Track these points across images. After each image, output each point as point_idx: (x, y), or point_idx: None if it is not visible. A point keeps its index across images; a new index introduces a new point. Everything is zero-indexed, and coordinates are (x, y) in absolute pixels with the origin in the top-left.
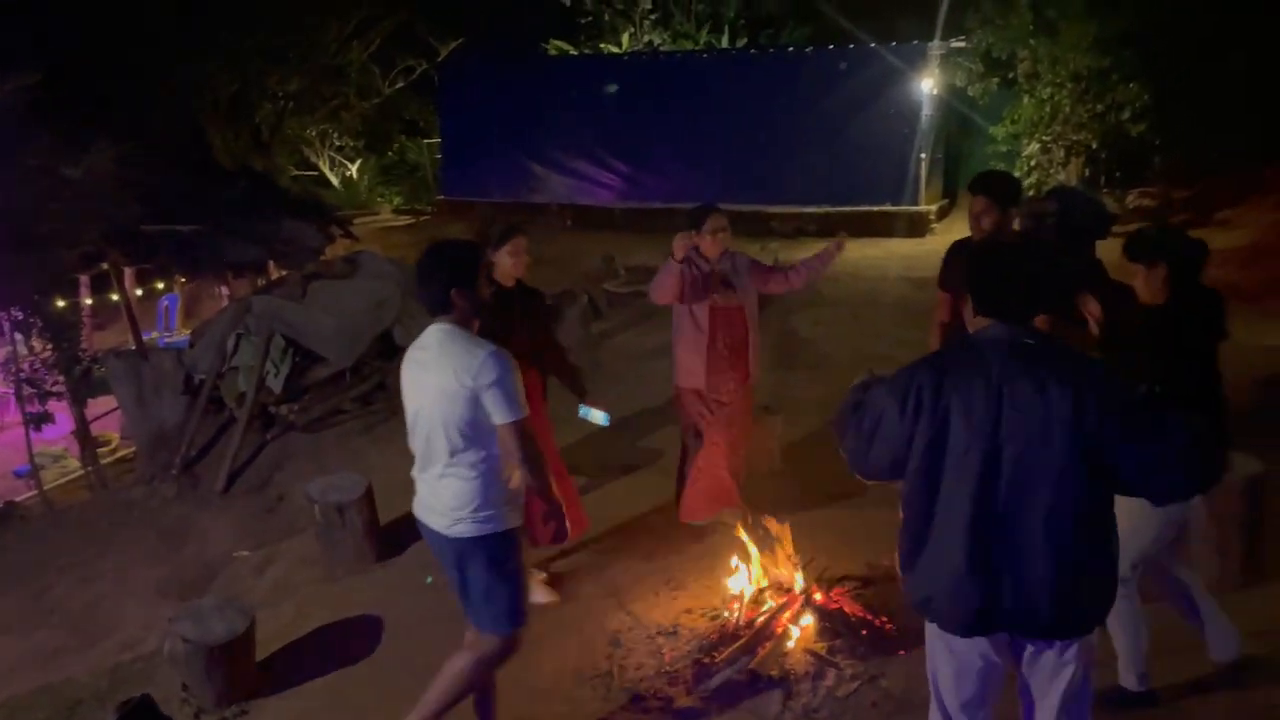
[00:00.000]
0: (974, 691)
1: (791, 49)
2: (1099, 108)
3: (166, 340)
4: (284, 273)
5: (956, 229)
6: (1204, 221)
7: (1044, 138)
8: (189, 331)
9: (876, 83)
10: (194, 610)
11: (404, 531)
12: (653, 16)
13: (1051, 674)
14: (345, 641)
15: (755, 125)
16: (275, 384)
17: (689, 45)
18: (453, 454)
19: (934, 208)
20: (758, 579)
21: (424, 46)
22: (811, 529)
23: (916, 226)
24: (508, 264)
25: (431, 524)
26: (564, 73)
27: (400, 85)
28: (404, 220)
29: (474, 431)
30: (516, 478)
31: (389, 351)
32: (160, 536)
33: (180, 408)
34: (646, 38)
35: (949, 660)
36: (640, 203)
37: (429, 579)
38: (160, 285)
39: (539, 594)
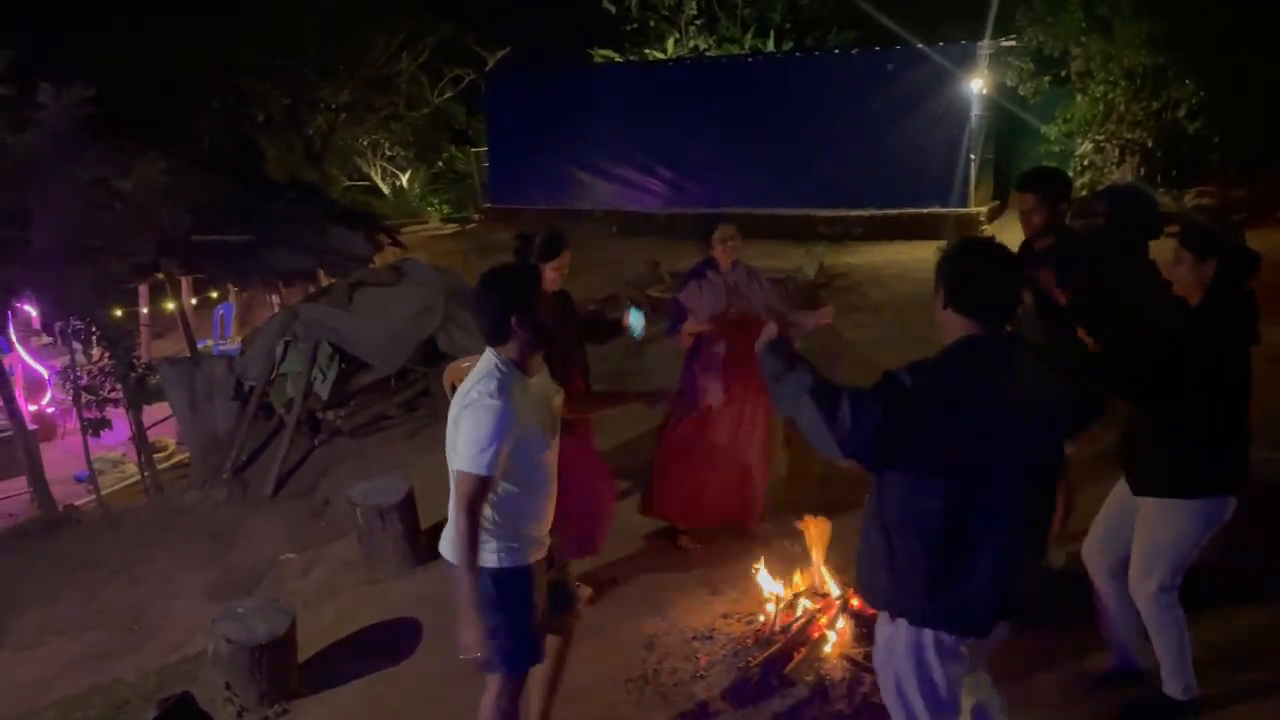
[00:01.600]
0: (950, 694)
1: (838, 51)
2: (1154, 105)
3: (222, 348)
4: (331, 281)
5: (1009, 230)
6: (1263, 221)
7: (1098, 137)
8: (240, 339)
9: (924, 83)
10: (238, 611)
11: None
12: (698, 21)
13: (994, 642)
14: (385, 643)
15: (801, 129)
16: (322, 390)
17: (735, 50)
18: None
19: (984, 209)
20: (794, 584)
21: (471, 56)
22: (849, 534)
23: (965, 228)
24: (550, 278)
25: (443, 551)
26: (609, 79)
27: (449, 95)
28: (451, 228)
29: None
30: (531, 509)
31: (433, 358)
32: (210, 539)
33: (231, 414)
34: (692, 43)
35: (934, 664)
36: (685, 208)
37: None
38: (215, 294)
39: None
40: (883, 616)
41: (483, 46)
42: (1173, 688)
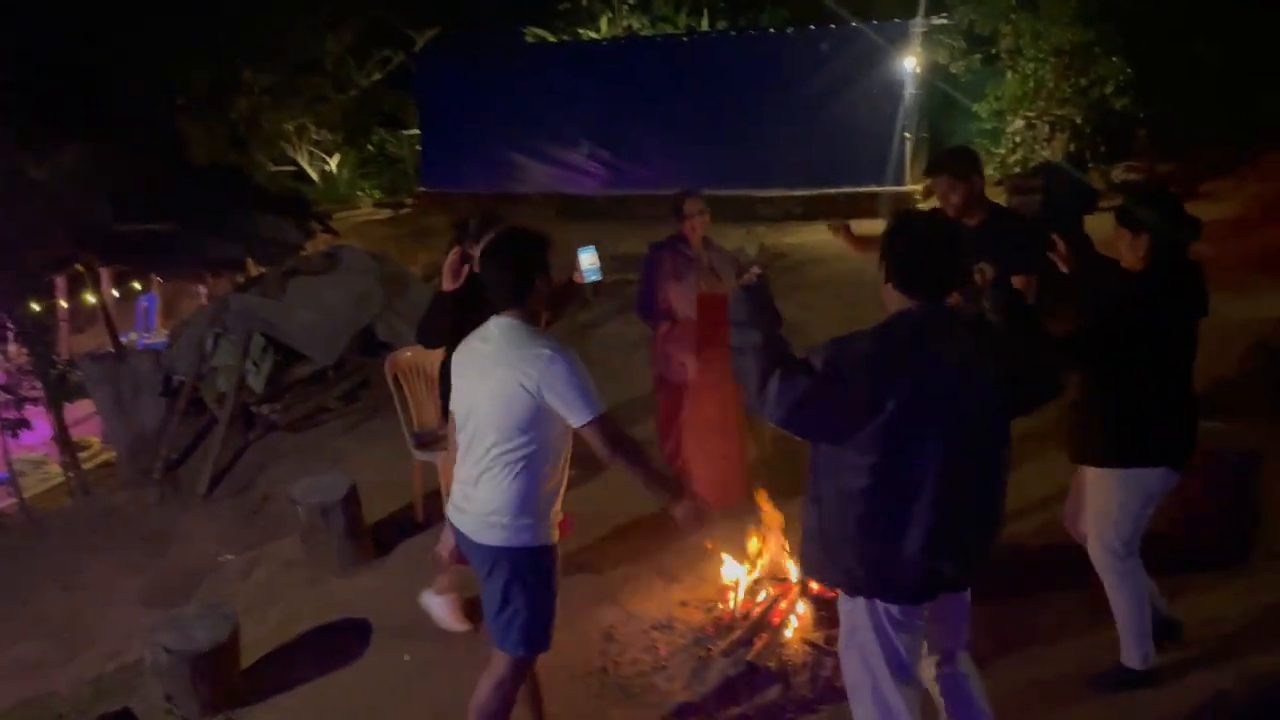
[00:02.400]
0: (910, 661)
1: (772, 30)
2: (1082, 82)
3: (146, 342)
4: (263, 270)
5: None
6: (1189, 195)
7: (1028, 114)
8: (167, 332)
9: (859, 62)
10: (176, 618)
11: (391, 531)
12: (631, 0)
13: (959, 617)
14: (332, 646)
15: (738, 109)
16: (256, 383)
17: (669, 29)
18: (498, 455)
19: (920, 187)
20: (753, 569)
21: (400, 37)
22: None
23: (902, 206)
24: None
25: (463, 527)
26: (542, 60)
27: (377, 77)
28: (385, 214)
29: (527, 435)
30: (556, 484)
31: (372, 348)
32: (143, 542)
33: (160, 410)
34: (625, 22)
35: (892, 634)
36: (624, 190)
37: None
38: (138, 285)
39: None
40: (842, 593)
41: (411, 27)
42: (1131, 657)
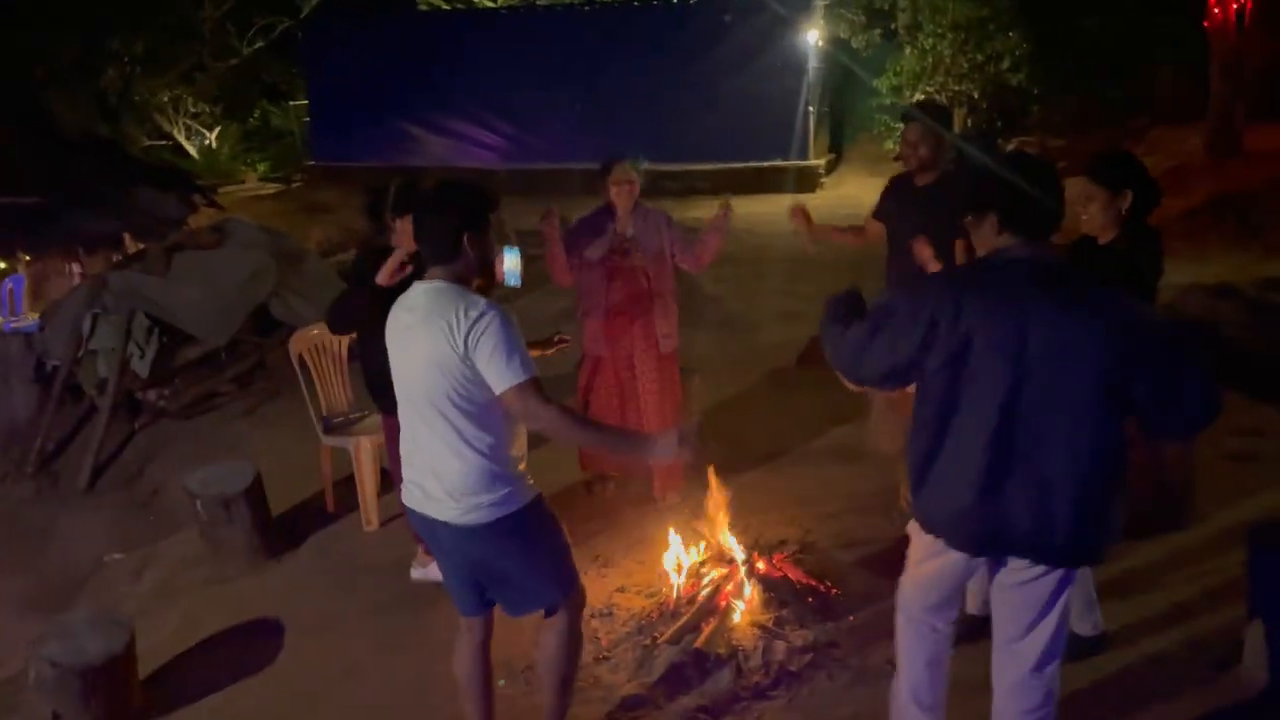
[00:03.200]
0: (947, 596)
1: (676, 1)
2: (979, 57)
3: (14, 325)
4: (142, 245)
5: (846, 183)
6: (1080, 170)
7: (928, 88)
8: (37, 315)
9: (762, 35)
10: (63, 627)
11: (299, 523)
12: None
13: (1048, 598)
14: (242, 649)
15: (641, 81)
16: (141, 367)
17: None
18: (449, 429)
19: (822, 162)
20: (696, 550)
21: (283, 4)
22: (740, 492)
23: (806, 181)
24: (407, 230)
25: (435, 514)
26: (437, 29)
27: (260, 45)
28: (272, 188)
29: (474, 403)
30: (521, 443)
31: (266, 326)
32: (19, 542)
33: (33, 398)
34: None
35: (937, 567)
36: (526, 164)
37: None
38: (2, 265)
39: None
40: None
41: None
42: (1081, 625)
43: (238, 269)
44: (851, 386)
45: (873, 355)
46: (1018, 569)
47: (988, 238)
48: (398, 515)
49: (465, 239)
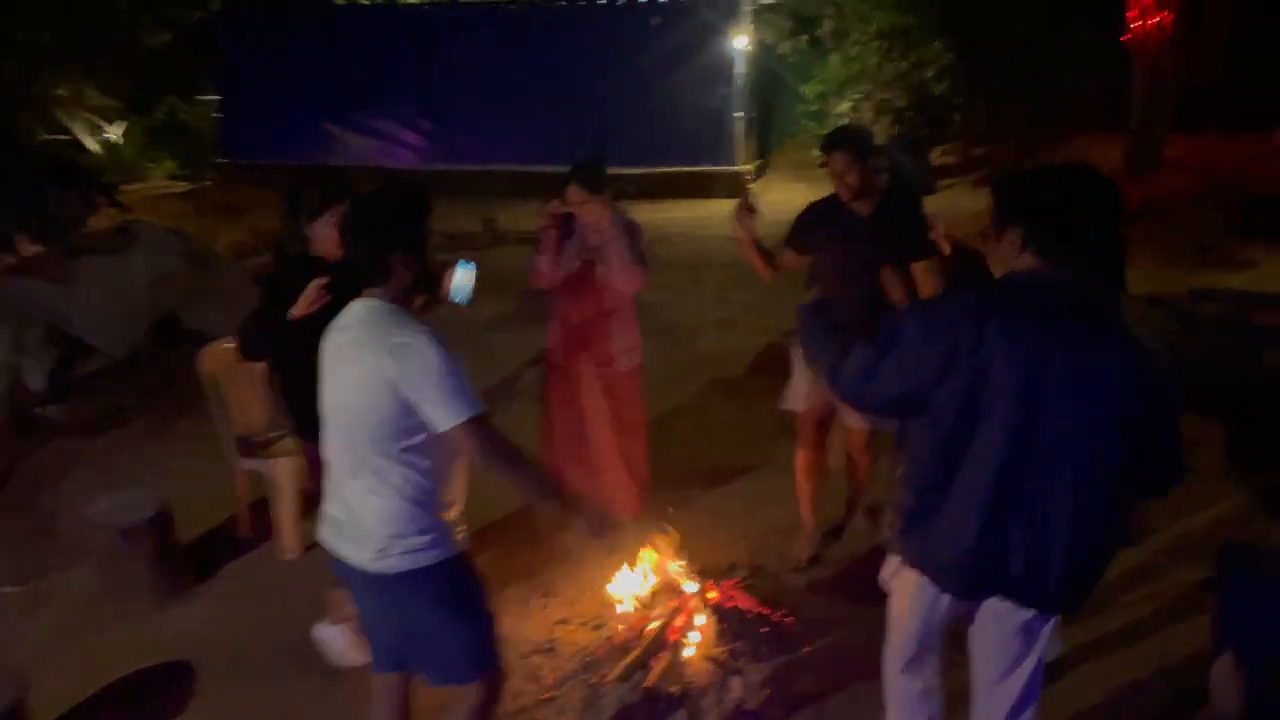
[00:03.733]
0: (930, 645)
1: (604, 2)
2: (904, 66)
3: None
4: (38, 248)
5: (774, 188)
6: (988, 181)
7: (855, 96)
8: None
9: (691, 39)
10: None
11: (212, 552)
12: None
13: (1027, 644)
14: (153, 695)
15: (569, 82)
16: (35, 380)
17: None
18: (378, 464)
19: (751, 168)
20: (644, 579)
21: None
22: (684, 511)
23: (735, 187)
24: (329, 236)
25: (349, 556)
26: (357, 23)
27: (167, 38)
28: (181, 187)
29: (406, 436)
30: (454, 487)
31: (175, 337)
32: None
33: None
34: None
35: (923, 612)
36: (452, 164)
37: None
38: None
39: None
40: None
41: None
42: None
43: (144, 274)
44: (851, 422)
45: (880, 383)
46: (1004, 609)
47: (1006, 255)
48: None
49: (396, 260)
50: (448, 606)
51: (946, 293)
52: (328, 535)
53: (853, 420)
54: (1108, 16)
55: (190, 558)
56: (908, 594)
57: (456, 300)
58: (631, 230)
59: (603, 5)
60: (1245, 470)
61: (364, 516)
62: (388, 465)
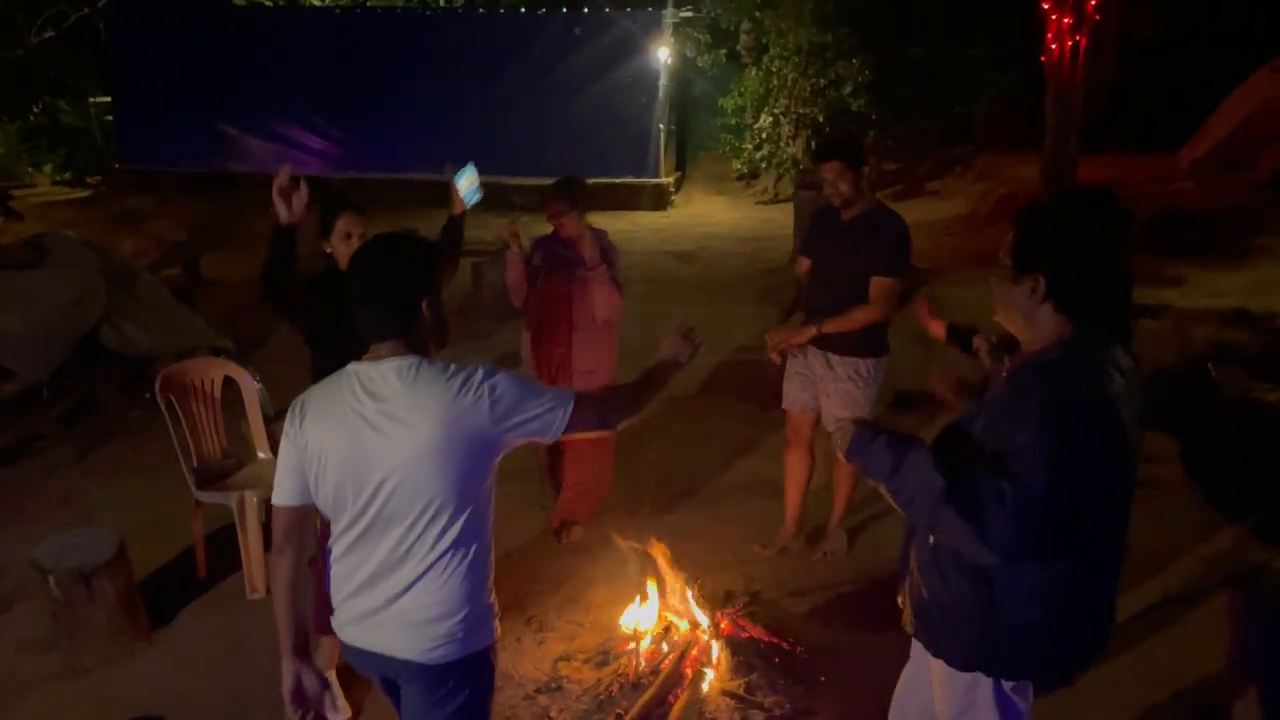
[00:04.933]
0: None
1: (523, 10)
2: (821, 82)
3: None
4: None
5: (695, 201)
6: (916, 193)
7: (775, 110)
8: None
9: (613, 50)
10: None
11: (166, 594)
12: None
13: None
14: None
15: (487, 91)
16: None
17: (399, 1)
18: (440, 540)
19: (670, 180)
20: (654, 611)
21: None
22: (665, 535)
23: (658, 199)
24: (342, 250)
25: (398, 653)
26: (261, 25)
27: (49, 35)
28: (71, 192)
29: (474, 500)
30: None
31: (95, 357)
32: None
33: None
34: None
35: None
36: (363, 173)
37: None
38: None
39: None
40: (951, 674)
41: None
42: None
43: (60, 292)
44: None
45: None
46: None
47: (1023, 303)
48: None
49: (421, 309)
50: (480, 695)
51: (1061, 389)
52: (361, 636)
53: (832, 424)
54: (1013, 37)
55: (146, 601)
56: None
57: (471, 203)
58: (613, 256)
59: (522, 14)
60: (1201, 483)
61: (421, 605)
62: (453, 538)
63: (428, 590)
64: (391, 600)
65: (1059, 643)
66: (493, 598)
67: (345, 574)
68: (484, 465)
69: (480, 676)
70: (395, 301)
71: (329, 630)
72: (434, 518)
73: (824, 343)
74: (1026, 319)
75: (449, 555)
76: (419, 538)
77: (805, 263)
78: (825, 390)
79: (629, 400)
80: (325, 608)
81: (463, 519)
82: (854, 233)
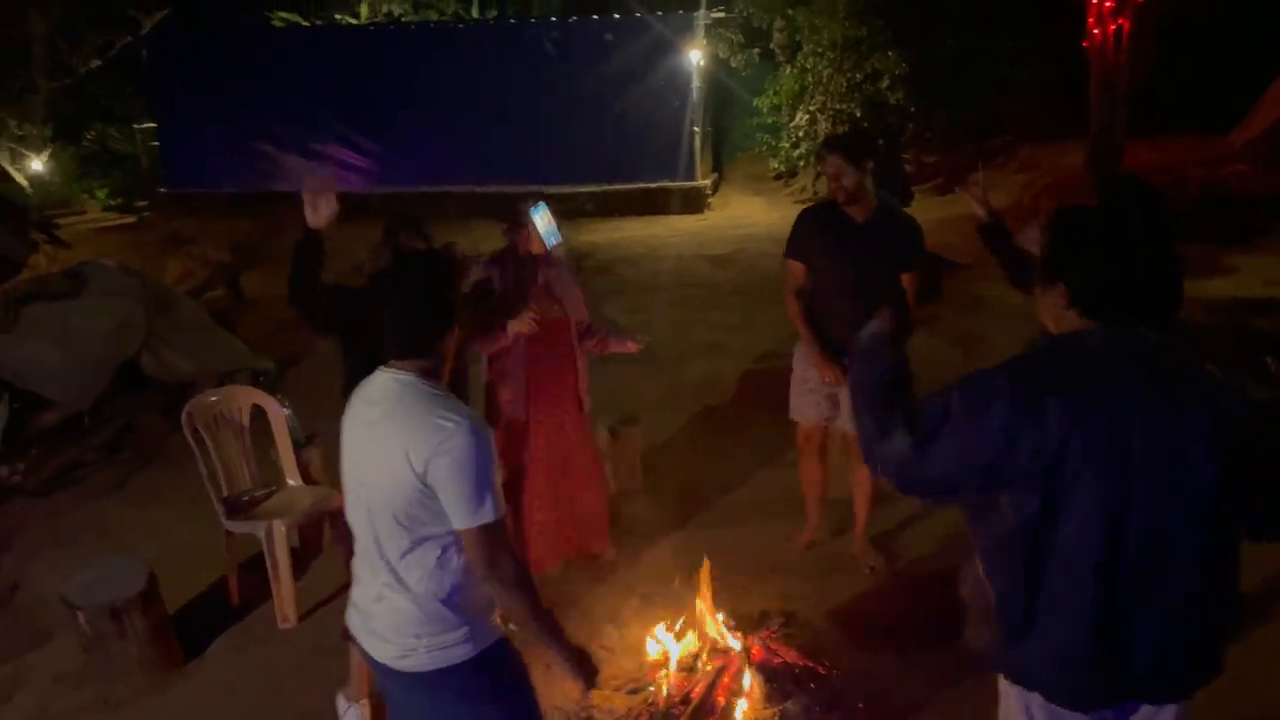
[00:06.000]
0: None
1: (555, 19)
2: (858, 77)
3: None
4: None
5: (733, 203)
6: (956, 186)
7: (811, 108)
8: None
9: (645, 54)
10: None
11: (199, 622)
12: None
13: None
14: None
15: (522, 101)
16: None
17: (433, 15)
18: (402, 556)
19: (708, 182)
20: (679, 635)
21: (121, 19)
22: (693, 554)
23: (694, 202)
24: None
25: (374, 652)
26: (297, 46)
27: (96, 64)
28: (119, 218)
29: (433, 525)
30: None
31: (136, 384)
32: None
33: None
34: (385, 7)
35: None
36: (401, 187)
37: None
38: None
39: None
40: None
41: (135, 8)
42: None
43: (100, 321)
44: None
45: (925, 469)
46: (1144, 714)
47: (1054, 310)
48: (318, 605)
49: (448, 334)
50: (485, 702)
51: (989, 370)
52: (355, 623)
53: (847, 425)
54: (1047, 25)
55: (179, 631)
56: (1020, 707)
57: (552, 244)
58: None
59: (554, 22)
60: None
61: (387, 614)
62: (414, 556)
63: (399, 606)
64: (375, 607)
65: (1015, 646)
66: (482, 607)
67: (354, 564)
68: (435, 504)
69: (464, 685)
70: (415, 320)
71: None
72: (397, 534)
73: (836, 348)
74: (1056, 324)
75: (421, 574)
76: (390, 551)
77: (800, 267)
78: (845, 395)
79: (521, 589)
80: None
81: (432, 540)
82: (874, 232)
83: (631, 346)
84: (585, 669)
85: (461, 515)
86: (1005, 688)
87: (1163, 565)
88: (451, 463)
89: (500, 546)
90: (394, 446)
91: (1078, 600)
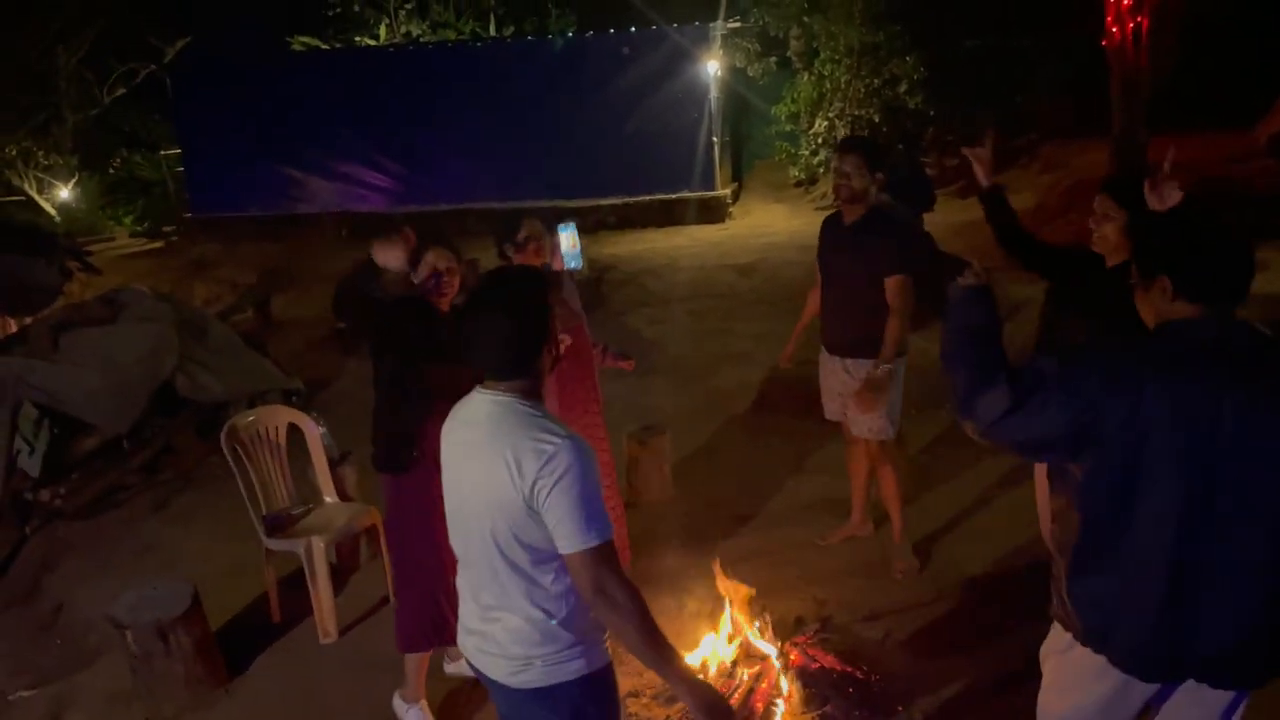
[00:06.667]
0: None
1: (571, 35)
2: (876, 82)
3: None
4: (19, 323)
5: (754, 211)
6: (974, 190)
7: (830, 114)
8: None
9: (663, 66)
10: None
11: (243, 639)
12: (408, 6)
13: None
14: None
15: (540, 117)
16: (30, 465)
17: (450, 35)
18: (511, 574)
19: (728, 192)
20: (721, 645)
21: (145, 48)
22: (729, 560)
23: (715, 212)
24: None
25: (486, 670)
26: (319, 69)
27: (121, 93)
28: (146, 244)
29: (538, 545)
30: None
31: (172, 406)
32: None
33: None
34: (403, 29)
35: (1106, 701)
36: (422, 206)
37: None
38: None
39: None
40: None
41: (158, 37)
42: None
43: (136, 345)
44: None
45: (1018, 430)
46: (1193, 696)
47: (1158, 304)
48: (357, 620)
49: (547, 346)
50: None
51: (1093, 350)
52: (465, 644)
53: (856, 429)
54: (1066, 23)
55: (222, 649)
56: (1083, 679)
57: (570, 266)
58: None
59: (571, 37)
60: None
61: (498, 631)
62: (524, 575)
63: (510, 622)
64: (486, 626)
65: (1089, 607)
66: (593, 625)
67: (460, 585)
68: (542, 528)
69: (574, 703)
70: (506, 349)
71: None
72: (505, 553)
73: (839, 349)
74: (1159, 317)
75: (530, 591)
76: (500, 570)
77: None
78: (848, 396)
79: (634, 613)
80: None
81: (541, 559)
82: (857, 235)
83: (625, 364)
84: (717, 709)
85: (566, 538)
86: (1073, 653)
87: (1243, 548)
88: (555, 485)
89: (607, 570)
90: (498, 470)
91: (1151, 573)
